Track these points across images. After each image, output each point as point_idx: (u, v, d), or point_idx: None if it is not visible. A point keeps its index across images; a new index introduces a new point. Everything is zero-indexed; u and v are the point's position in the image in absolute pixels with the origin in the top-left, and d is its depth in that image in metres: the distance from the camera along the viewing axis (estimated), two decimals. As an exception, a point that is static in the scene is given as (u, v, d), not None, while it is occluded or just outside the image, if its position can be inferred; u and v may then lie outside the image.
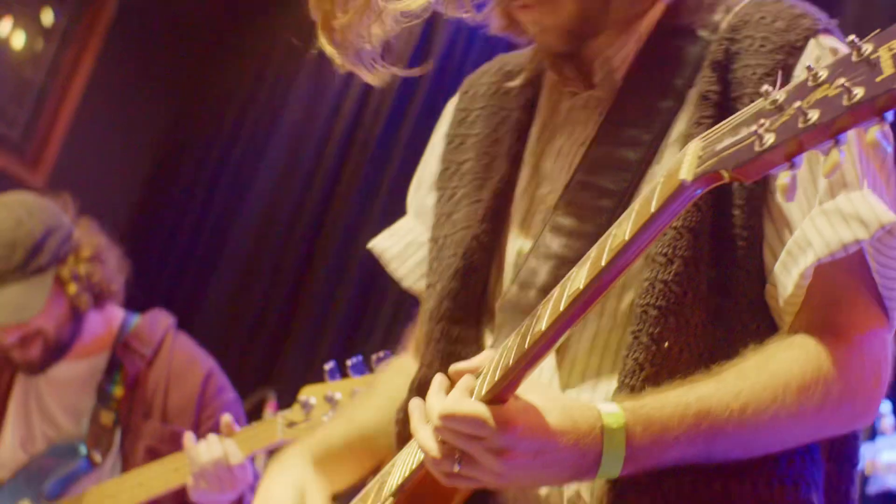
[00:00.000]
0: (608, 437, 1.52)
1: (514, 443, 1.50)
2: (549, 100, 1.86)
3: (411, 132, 5.57)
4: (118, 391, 3.29)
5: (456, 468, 1.54)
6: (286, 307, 5.82)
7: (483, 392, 1.52)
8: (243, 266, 6.02)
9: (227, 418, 3.07)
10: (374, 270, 5.70)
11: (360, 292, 5.63)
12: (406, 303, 5.52)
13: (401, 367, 2.02)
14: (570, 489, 1.65)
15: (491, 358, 1.56)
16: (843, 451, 1.69)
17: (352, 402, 2.05)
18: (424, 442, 1.56)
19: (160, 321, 3.47)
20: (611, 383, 1.64)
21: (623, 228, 1.42)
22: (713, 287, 1.61)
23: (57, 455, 3.28)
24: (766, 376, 1.56)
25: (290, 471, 1.88)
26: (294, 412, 3.06)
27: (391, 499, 1.73)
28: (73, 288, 3.23)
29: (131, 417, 3.27)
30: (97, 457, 3.25)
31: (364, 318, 5.61)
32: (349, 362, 3.05)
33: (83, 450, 3.26)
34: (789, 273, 1.60)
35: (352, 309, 5.64)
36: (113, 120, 6.14)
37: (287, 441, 3.03)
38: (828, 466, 1.66)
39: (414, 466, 1.67)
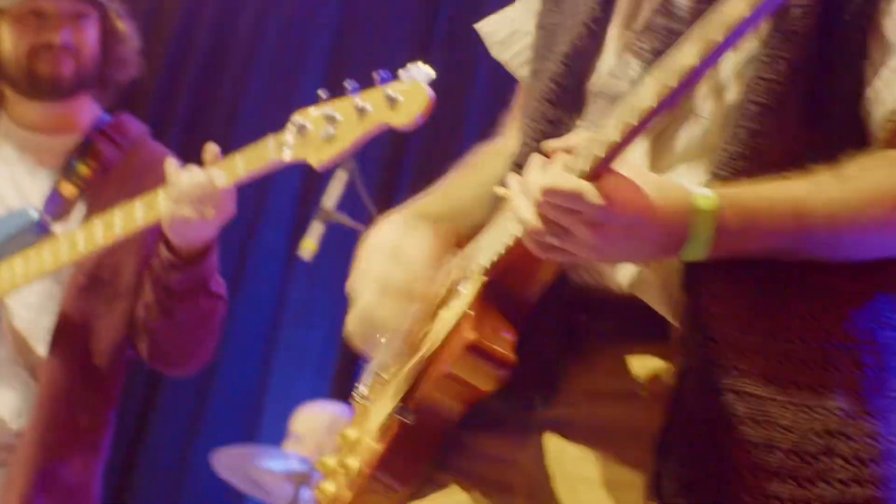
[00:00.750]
0: (698, 217, 1.57)
1: (610, 217, 1.55)
2: None
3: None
4: (84, 170, 3.24)
5: (552, 239, 1.59)
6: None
7: (584, 169, 1.56)
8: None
9: (213, 147, 2.91)
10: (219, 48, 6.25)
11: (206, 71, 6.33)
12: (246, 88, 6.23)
13: (498, 150, 2.04)
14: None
15: (587, 137, 1.61)
16: None
17: (448, 178, 2.06)
18: (523, 213, 1.60)
19: (137, 124, 3.45)
20: (702, 176, 1.68)
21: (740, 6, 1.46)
22: (814, 93, 1.65)
23: (9, 221, 3.18)
24: (863, 186, 1.61)
25: (388, 226, 1.93)
26: (286, 134, 2.76)
27: (484, 274, 1.77)
28: (121, 25, 3.32)
29: (100, 198, 3.20)
30: (49, 220, 3.16)
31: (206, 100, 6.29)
32: (346, 83, 2.66)
33: (34, 214, 3.16)
34: (892, 90, 1.64)
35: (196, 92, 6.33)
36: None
37: (282, 161, 2.77)
38: None
39: (509, 243, 1.71)
